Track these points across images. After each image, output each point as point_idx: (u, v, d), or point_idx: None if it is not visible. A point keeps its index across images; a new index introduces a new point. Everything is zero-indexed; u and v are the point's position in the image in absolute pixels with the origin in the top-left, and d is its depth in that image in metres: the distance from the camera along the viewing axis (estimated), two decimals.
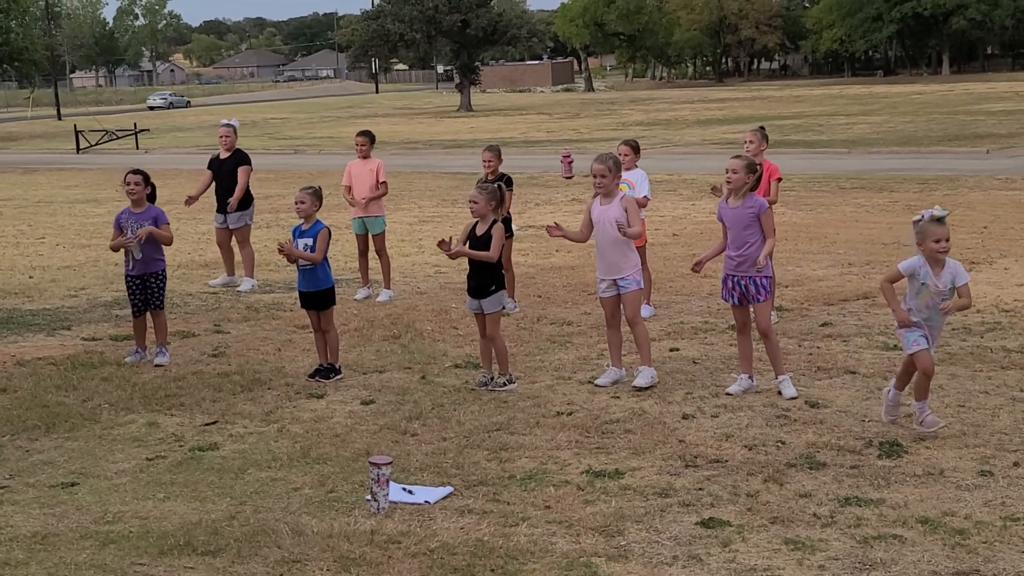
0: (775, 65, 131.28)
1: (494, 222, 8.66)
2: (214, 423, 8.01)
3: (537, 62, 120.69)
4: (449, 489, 6.51)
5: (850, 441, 7.15)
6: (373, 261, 12.54)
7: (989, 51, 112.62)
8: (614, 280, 8.57)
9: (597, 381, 8.72)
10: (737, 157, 8.40)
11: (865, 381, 8.56)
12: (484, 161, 11.34)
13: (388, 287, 12.50)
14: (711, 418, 7.77)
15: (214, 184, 13.42)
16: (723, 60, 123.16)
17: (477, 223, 8.71)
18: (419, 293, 12.71)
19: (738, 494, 6.33)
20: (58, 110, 76.70)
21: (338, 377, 9.08)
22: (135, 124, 47.64)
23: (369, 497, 6.26)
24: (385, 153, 29.23)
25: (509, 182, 10.82)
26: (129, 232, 9.70)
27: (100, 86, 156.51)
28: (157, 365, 9.62)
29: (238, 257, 13.54)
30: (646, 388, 8.46)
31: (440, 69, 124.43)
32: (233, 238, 13.48)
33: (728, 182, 8.27)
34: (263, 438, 7.64)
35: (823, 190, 21.55)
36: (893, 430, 7.37)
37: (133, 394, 8.76)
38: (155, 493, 6.64)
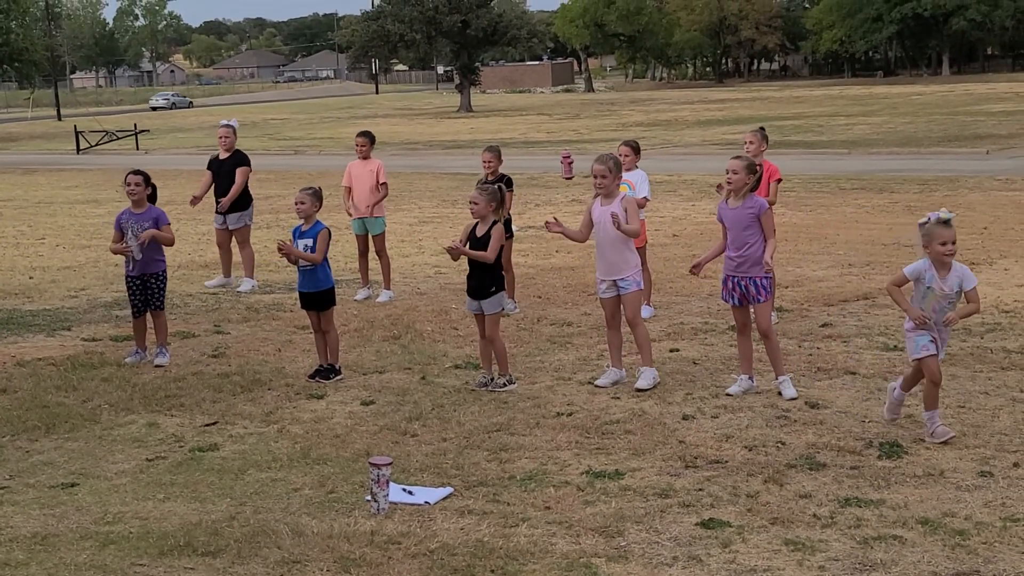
0: (775, 66, 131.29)
1: (494, 223, 8.66)
2: (214, 424, 8.01)
3: (537, 63, 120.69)
4: (449, 490, 6.51)
5: (850, 442, 7.15)
6: (373, 262, 12.54)
7: (989, 52, 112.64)
8: (614, 281, 8.57)
9: (597, 382, 8.72)
10: (737, 158, 8.41)
11: (865, 382, 8.56)
12: (484, 162, 11.34)
13: (388, 288, 12.50)
14: (711, 419, 7.77)
15: (213, 185, 13.42)
16: (723, 61, 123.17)
17: (477, 224, 8.71)
18: (419, 294, 12.72)
19: (738, 495, 6.33)
20: (58, 111, 76.71)
21: (338, 378, 9.08)
22: (135, 125, 47.64)
23: (369, 498, 6.26)
24: (385, 154, 29.23)
25: (509, 183, 10.82)
26: (130, 232, 9.71)
27: (100, 87, 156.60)
28: (157, 366, 9.63)
29: (237, 258, 13.55)
30: (648, 389, 8.46)
31: (440, 70, 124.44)
32: (233, 239, 13.49)
33: (728, 182, 8.27)
34: (263, 439, 7.64)
35: (823, 191, 21.55)
36: (893, 431, 7.37)
37: (133, 395, 8.76)
38: (155, 494, 6.64)
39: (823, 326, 10.45)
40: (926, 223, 7.08)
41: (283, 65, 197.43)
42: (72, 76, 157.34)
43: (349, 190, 12.37)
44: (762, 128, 10.80)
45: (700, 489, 6.44)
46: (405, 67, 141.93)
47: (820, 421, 7.61)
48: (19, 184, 30.11)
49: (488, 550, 5.66)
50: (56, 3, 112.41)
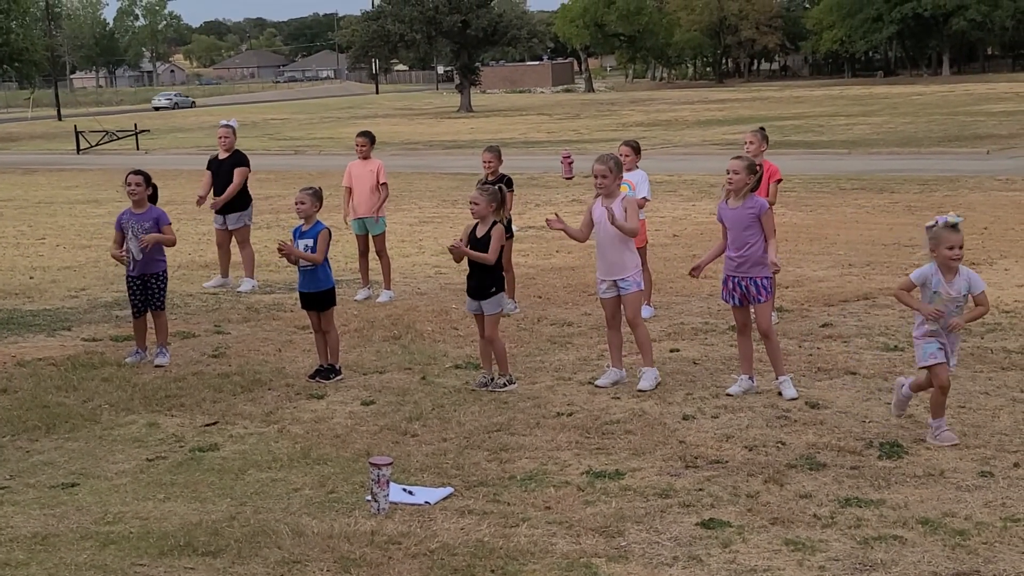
0: (775, 66, 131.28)
1: (494, 224, 8.66)
2: (214, 424, 8.01)
3: (537, 63, 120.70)
4: (449, 490, 6.51)
5: (850, 442, 7.15)
6: (373, 262, 12.54)
7: (989, 52, 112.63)
8: (614, 281, 8.57)
9: (597, 382, 8.72)
10: (738, 158, 8.40)
11: (865, 382, 8.56)
12: (484, 162, 11.34)
13: (388, 288, 12.50)
14: (711, 419, 7.77)
15: (213, 185, 13.42)
16: (723, 61, 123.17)
17: (477, 224, 8.71)
18: (419, 294, 12.72)
19: (738, 495, 6.33)
20: (58, 111, 76.71)
21: (338, 378, 9.08)
22: (135, 125, 47.64)
23: (369, 498, 6.26)
24: (385, 154, 29.24)
25: (509, 183, 10.81)
26: (130, 234, 9.72)
27: (100, 87, 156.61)
28: (157, 366, 9.63)
29: (236, 258, 13.56)
30: (649, 390, 8.45)
31: (440, 70, 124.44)
32: (233, 239, 13.50)
33: (729, 183, 8.26)
34: (263, 439, 7.64)
35: (823, 191, 21.55)
36: (893, 431, 7.37)
37: (133, 395, 8.76)
38: (155, 494, 6.64)
39: (823, 326, 10.45)
40: (933, 226, 6.96)
41: (283, 65, 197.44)
42: (72, 76, 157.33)
43: (349, 191, 12.36)
44: (762, 128, 10.80)
45: (700, 489, 6.44)
46: (405, 67, 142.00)
47: (820, 421, 7.61)
48: (19, 184, 30.12)
49: (488, 550, 5.66)
50: (56, 3, 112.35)
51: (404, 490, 6.43)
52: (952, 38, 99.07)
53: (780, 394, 8.20)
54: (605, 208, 8.39)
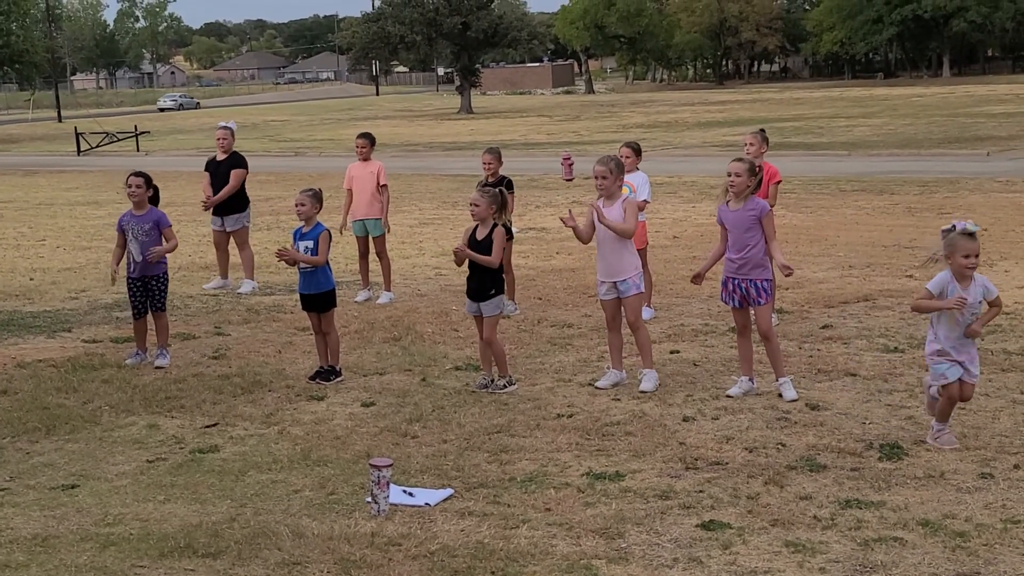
0: (775, 67, 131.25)
1: (494, 226, 8.66)
2: (214, 425, 8.01)
3: (537, 64, 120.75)
4: (449, 491, 6.51)
5: (850, 443, 7.15)
6: (374, 263, 12.55)
7: (989, 53, 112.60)
8: (614, 283, 8.56)
9: (597, 383, 8.72)
10: (739, 160, 8.38)
11: (866, 383, 8.56)
12: (484, 163, 11.35)
13: (388, 289, 12.50)
14: (711, 420, 7.77)
15: (211, 186, 13.43)
16: (723, 62, 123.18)
17: (477, 227, 8.71)
18: (419, 295, 12.72)
19: (738, 496, 6.33)
20: (59, 112, 76.74)
21: (338, 379, 9.08)
22: (135, 126, 47.66)
23: (369, 499, 6.26)
24: (385, 155, 29.24)
25: (509, 185, 10.83)
26: (131, 235, 9.73)
27: (101, 88, 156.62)
28: (158, 367, 9.63)
29: (236, 260, 13.56)
30: (651, 391, 8.45)
31: (440, 71, 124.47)
32: (232, 241, 13.50)
33: (731, 185, 8.25)
34: (263, 440, 7.64)
35: (823, 192, 21.55)
36: (893, 432, 7.37)
37: (134, 396, 8.76)
38: (155, 495, 6.65)
39: (823, 328, 10.45)
40: (950, 231, 6.85)
41: (284, 67, 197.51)
42: (73, 78, 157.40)
43: (350, 192, 12.36)
44: (762, 130, 10.80)
45: (700, 491, 6.44)
46: (405, 69, 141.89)
47: (820, 423, 7.61)
48: (20, 186, 30.13)
49: (488, 552, 5.66)
50: (57, 5, 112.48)
51: (404, 492, 6.43)
52: (952, 40, 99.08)
53: (780, 396, 8.20)
54: (593, 208, 8.39)
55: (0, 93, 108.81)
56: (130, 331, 10.37)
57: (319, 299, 9.16)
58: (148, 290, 9.76)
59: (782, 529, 5.88)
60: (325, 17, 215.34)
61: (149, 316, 9.85)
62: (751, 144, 10.35)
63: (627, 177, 10.06)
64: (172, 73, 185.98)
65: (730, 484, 6.53)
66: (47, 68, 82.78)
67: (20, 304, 12.87)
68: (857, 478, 6.56)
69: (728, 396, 8.30)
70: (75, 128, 46.94)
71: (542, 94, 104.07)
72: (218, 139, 13.46)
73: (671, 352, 9.70)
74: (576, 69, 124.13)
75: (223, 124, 13.58)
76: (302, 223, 9.25)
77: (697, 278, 8.52)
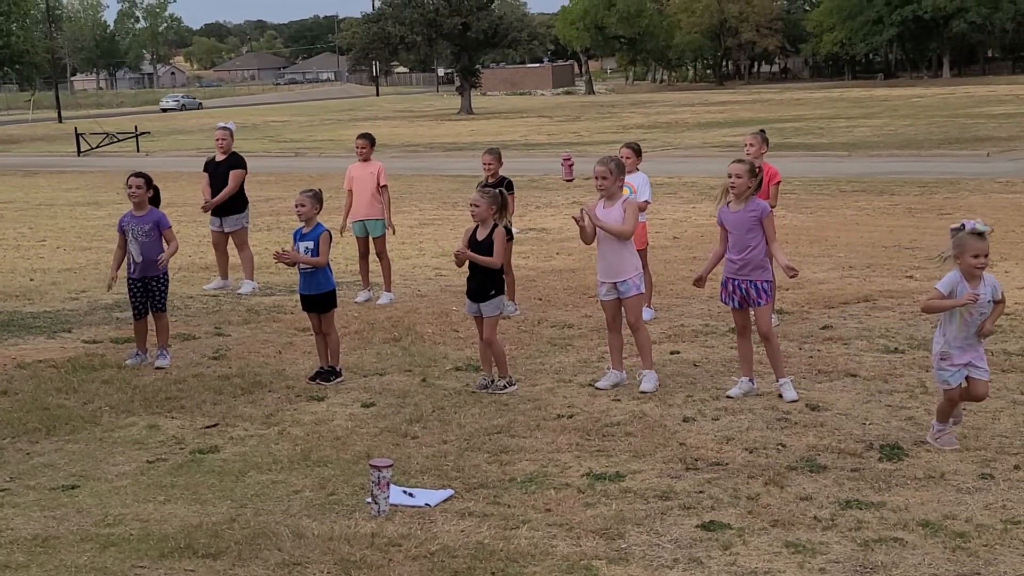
0: (775, 68, 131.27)
1: (494, 227, 8.66)
2: (215, 426, 8.01)
3: (538, 65, 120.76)
4: (450, 492, 6.51)
5: (851, 444, 7.15)
6: (374, 264, 12.55)
7: (989, 54, 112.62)
8: (614, 284, 8.56)
9: (598, 384, 8.72)
10: (739, 161, 8.37)
11: (866, 384, 8.56)
12: (484, 164, 11.35)
13: (389, 290, 12.50)
14: (712, 421, 7.77)
15: (210, 187, 13.42)
16: (723, 63, 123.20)
17: (477, 227, 8.71)
18: (420, 296, 12.72)
19: (739, 497, 6.33)
20: (59, 113, 76.74)
21: (339, 380, 9.08)
22: (135, 127, 47.66)
23: (370, 500, 6.26)
24: (386, 156, 29.25)
25: (510, 186, 10.83)
26: (131, 235, 9.73)
27: (101, 89, 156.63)
28: (158, 368, 9.63)
29: (236, 260, 13.56)
30: (652, 391, 8.45)
31: (441, 72, 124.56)
32: (231, 242, 13.50)
33: (732, 187, 8.24)
34: (264, 441, 7.65)
35: (823, 193, 21.55)
36: (894, 433, 7.37)
37: (134, 397, 8.76)
38: (156, 496, 6.65)
39: (824, 328, 10.45)
40: (959, 230, 6.80)
41: (284, 67, 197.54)
42: (73, 78, 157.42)
43: (350, 193, 12.36)
44: (762, 130, 10.80)
45: (701, 491, 6.44)
46: (406, 69, 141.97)
47: (821, 423, 7.61)
48: (20, 186, 30.13)
49: (489, 552, 5.66)
50: (57, 5, 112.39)
51: (404, 492, 6.43)
52: (952, 40, 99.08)
53: (780, 396, 8.20)
54: (586, 213, 8.39)
55: (0, 94, 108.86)
56: (130, 332, 10.38)
57: (319, 300, 9.16)
58: (148, 291, 9.77)
59: (782, 530, 5.88)
60: (325, 18, 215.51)
61: (149, 317, 9.86)
62: (751, 145, 10.34)
63: (627, 178, 10.06)
64: (172, 74, 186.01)
65: (730, 485, 6.53)
66: (47, 69, 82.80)
67: (20, 305, 12.87)
68: (857, 479, 6.56)
69: (728, 397, 8.30)
70: (75, 129, 46.95)
71: (542, 95, 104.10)
72: (217, 139, 13.46)
73: (671, 353, 9.70)
74: (576, 70, 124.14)
75: (222, 124, 13.58)
76: (302, 224, 9.25)
77: (699, 281, 8.53)
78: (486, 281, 8.61)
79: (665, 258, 14.34)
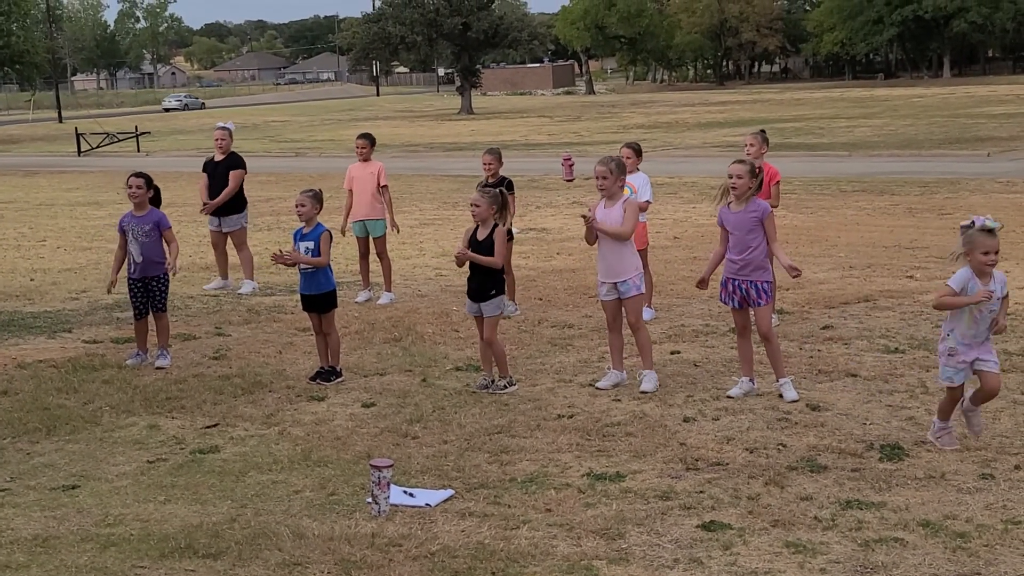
0: (776, 68, 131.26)
1: (495, 227, 8.65)
2: (215, 426, 8.01)
3: (538, 65, 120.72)
4: (450, 492, 6.51)
5: (851, 444, 7.15)
6: (374, 264, 12.55)
7: (990, 54, 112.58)
8: (615, 284, 8.56)
9: (598, 384, 8.71)
10: (740, 162, 8.36)
11: (866, 384, 8.56)
12: (484, 164, 11.34)
13: (389, 290, 12.50)
14: (712, 421, 7.77)
15: (209, 187, 13.42)
16: (724, 63, 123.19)
17: (478, 227, 8.70)
18: (420, 296, 12.72)
19: (739, 497, 6.33)
20: (59, 113, 76.74)
21: (339, 380, 9.08)
22: (136, 127, 47.67)
23: (370, 500, 6.26)
24: (386, 156, 29.25)
25: (510, 186, 10.83)
26: (131, 235, 9.74)
27: (101, 89, 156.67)
28: (158, 368, 9.63)
29: (236, 260, 13.56)
30: (652, 391, 8.45)
31: (441, 72, 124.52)
32: (230, 242, 13.50)
33: (733, 187, 8.24)
34: (264, 441, 7.65)
35: (824, 193, 21.55)
36: (894, 433, 7.36)
37: (134, 397, 8.76)
38: (156, 496, 6.65)
39: (824, 328, 10.45)
40: (969, 227, 6.79)
41: (284, 67, 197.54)
42: (73, 78, 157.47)
43: (350, 193, 12.36)
44: (763, 130, 10.80)
45: (701, 491, 6.44)
46: (406, 69, 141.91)
47: (821, 423, 7.61)
48: (20, 186, 30.14)
49: (489, 552, 5.66)
50: (57, 5, 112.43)
51: (405, 492, 6.43)
52: (953, 40, 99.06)
53: (781, 396, 8.20)
54: (583, 216, 8.39)
55: (1, 94, 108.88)
56: (130, 332, 10.38)
57: (320, 300, 9.16)
58: (149, 291, 9.77)
59: (783, 530, 5.88)
60: (325, 18, 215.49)
61: (150, 317, 9.86)
62: (751, 145, 10.34)
63: (628, 178, 10.05)
64: (173, 74, 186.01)
65: (731, 485, 6.53)
66: (48, 69, 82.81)
67: (21, 305, 12.88)
68: (858, 479, 6.56)
69: (729, 397, 8.29)
70: (76, 128, 46.94)
71: (542, 95, 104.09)
72: (216, 139, 13.46)
73: (672, 353, 9.70)
74: (576, 70, 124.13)
75: (221, 124, 13.58)
76: (302, 224, 9.25)
77: (702, 283, 8.53)
78: (487, 281, 8.61)
79: (665, 258, 14.34)
